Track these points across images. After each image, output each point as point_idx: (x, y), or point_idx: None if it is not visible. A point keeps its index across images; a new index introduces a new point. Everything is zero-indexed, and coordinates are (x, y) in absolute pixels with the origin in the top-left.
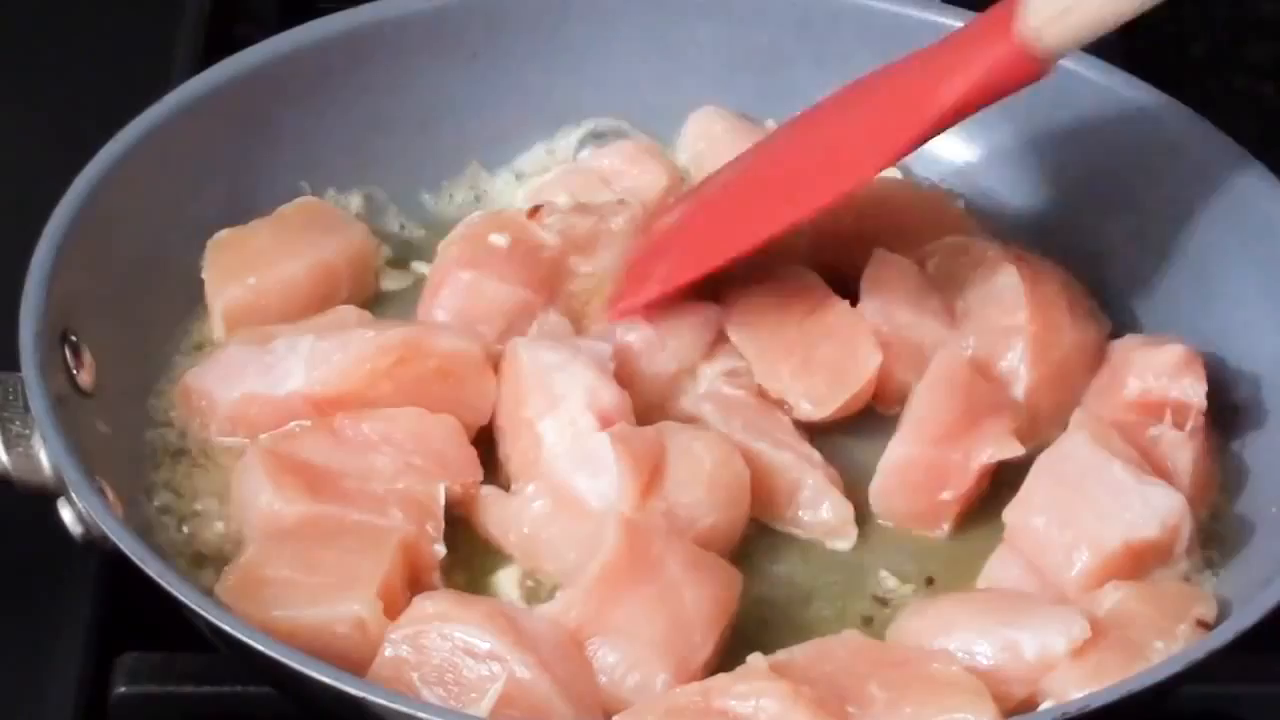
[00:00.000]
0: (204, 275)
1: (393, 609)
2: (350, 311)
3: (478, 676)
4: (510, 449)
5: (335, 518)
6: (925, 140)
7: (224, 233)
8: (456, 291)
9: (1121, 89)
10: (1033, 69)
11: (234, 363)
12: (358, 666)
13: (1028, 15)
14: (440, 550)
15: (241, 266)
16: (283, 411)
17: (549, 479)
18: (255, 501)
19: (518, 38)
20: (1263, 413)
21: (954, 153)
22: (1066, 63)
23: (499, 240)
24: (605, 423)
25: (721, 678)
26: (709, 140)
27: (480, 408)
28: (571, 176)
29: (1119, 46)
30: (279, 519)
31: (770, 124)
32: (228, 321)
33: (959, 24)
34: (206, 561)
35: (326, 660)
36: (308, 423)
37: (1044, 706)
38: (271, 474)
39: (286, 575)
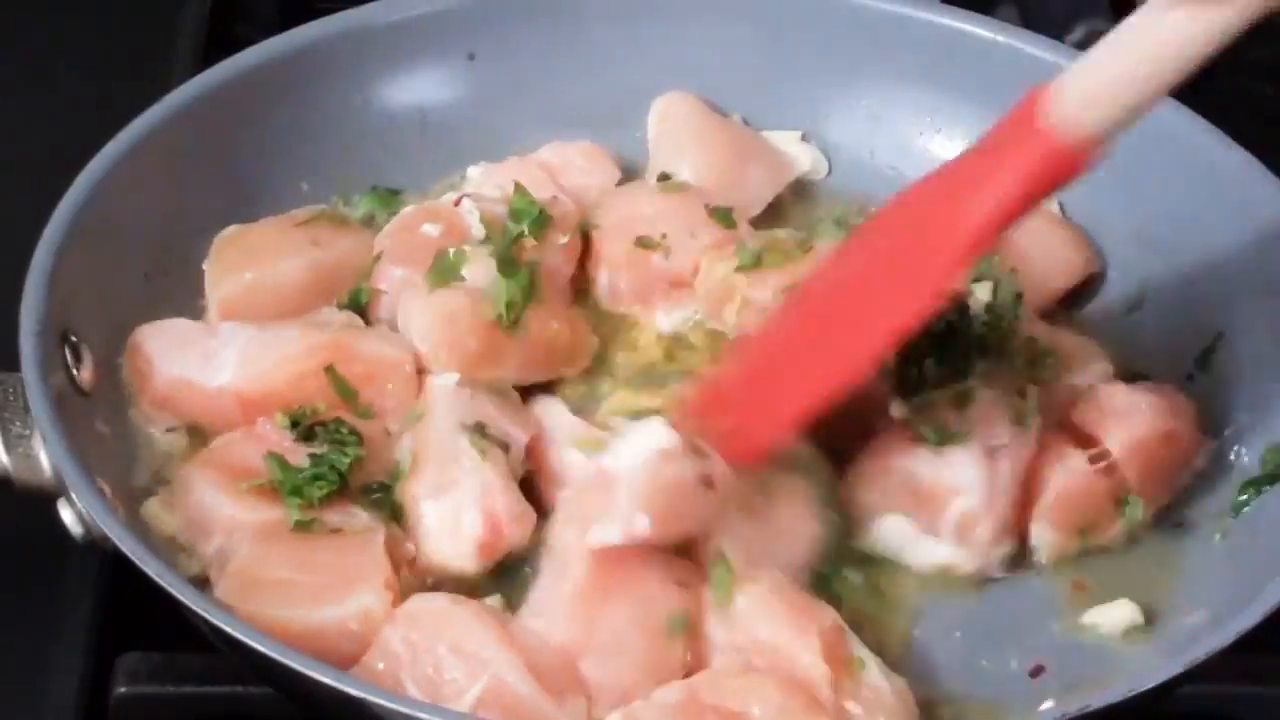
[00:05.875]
0: (205, 268)
1: (394, 604)
2: (333, 314)
3: (461, 675)
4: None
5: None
6: (968, 263)
7: (230, 229)
8: (392, 287)
9: None
10: (1074, 164)
11: (182, 337)
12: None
13: (1059, 103)
14: (411, 549)
15: (241, 262)
16: (211, 404)
17: (425, 553)
18: (217, 514)
19: (515, 39)
20: (1268, 411)
21: (953, 152)
22: (1067, 63)
23: (431, 230)
24: (491, 531)
25: (710, 674)
26: (672, 122)
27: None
28: (520, 167)
29: None
30: (246, 526)
31: (736, 117)
32: (223, 315)
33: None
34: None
35: (336, 657)
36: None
37: (1044, 707)
38: (224, 487)
39: (287, 576)
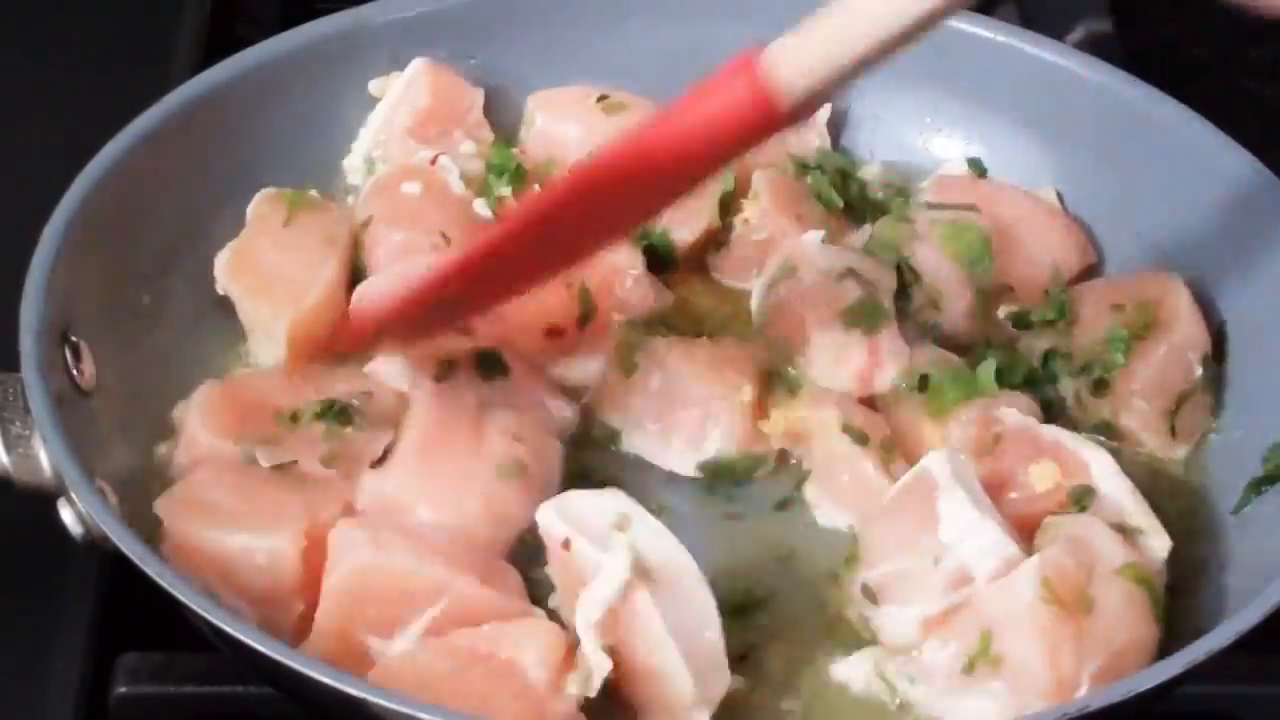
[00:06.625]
0: (238, 305)
1: (318, 551)
2: None
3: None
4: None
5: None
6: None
7: (224, 252)
8: (391, 252)
9: (1121, 89)
10: (775, 120)
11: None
12: (270, 602)
13: (774, 66)
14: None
15: (281, 290)
16: None
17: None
18: (186, 426)
19: (515, 39)
20: (1268, 410)
21: (952, 152)
22: (1067, 63)
23: (411, 188)
24: None
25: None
26: None
27: None
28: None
29: (1119, 46)
30: (201, 450)
31: None
32: (297, 346)
33: None
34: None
35: (247, 590)
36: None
37: (1044, 706)
38: (208, 408)
39: (223, 501)
